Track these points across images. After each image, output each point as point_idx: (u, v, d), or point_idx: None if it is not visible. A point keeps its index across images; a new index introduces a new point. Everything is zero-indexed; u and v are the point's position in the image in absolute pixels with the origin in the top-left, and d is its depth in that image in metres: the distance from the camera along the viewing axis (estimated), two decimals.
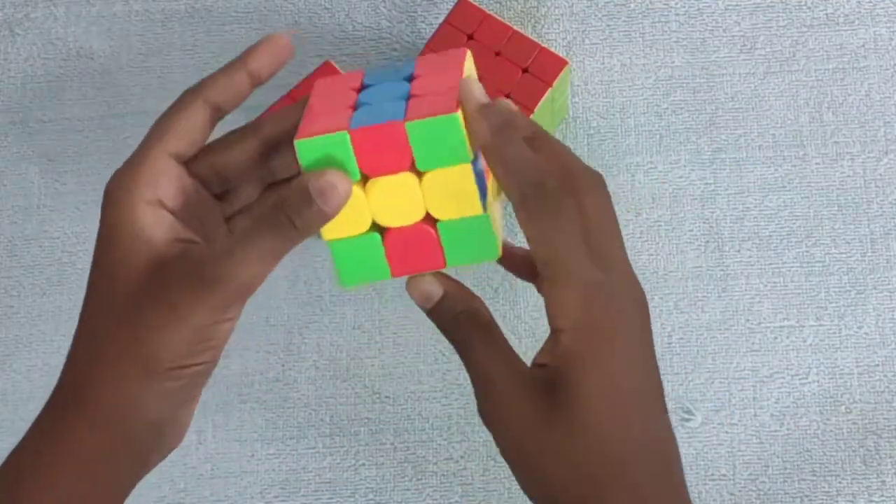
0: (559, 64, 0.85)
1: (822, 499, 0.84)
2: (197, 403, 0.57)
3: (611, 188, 0.89)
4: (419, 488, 0.85)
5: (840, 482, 0.84)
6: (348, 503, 0.85)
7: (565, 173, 0.55)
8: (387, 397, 0.86)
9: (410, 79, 0.59)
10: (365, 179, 0.56)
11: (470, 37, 0.86)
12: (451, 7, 0.87)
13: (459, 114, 0.55)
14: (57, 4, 0.95)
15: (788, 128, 0.91)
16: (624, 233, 0.90)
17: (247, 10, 0.94)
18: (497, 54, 0.85)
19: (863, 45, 0.92)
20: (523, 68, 0.85)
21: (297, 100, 0.86)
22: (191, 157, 0.58)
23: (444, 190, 0.56)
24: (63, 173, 0.92)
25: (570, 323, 0.54)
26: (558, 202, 0.54)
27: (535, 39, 0.86)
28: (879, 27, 0.92)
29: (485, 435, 0.86)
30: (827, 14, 0.93)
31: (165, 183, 0.57)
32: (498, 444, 0.56)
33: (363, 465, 0.85)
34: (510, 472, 0.83)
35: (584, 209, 0.54)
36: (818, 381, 0.86)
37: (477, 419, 0.86)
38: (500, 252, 0.58)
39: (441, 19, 0.87)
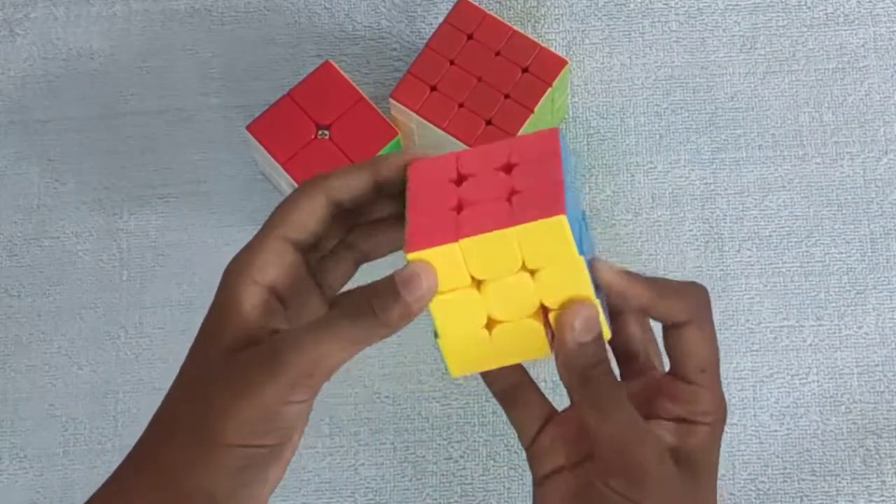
0: (559, 64, 0.85)
1: (822, 499, 0.84)
2: (270, 489, 0.56)
3: (611, 188, 0.91)
4: (419, 488, 0.85)
5: (840, 482, 0.84)
6: (348, 503, 0.85)
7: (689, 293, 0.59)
8: (387, 397, 0.86)
9: (507, 167, 0.57)
10: (478, 282, 0.56)
11: (470, 37, 0.86)
12: (451, 7, 0.87)
13: (565, 217, 0.54)
14: (57, 4, 0.95)
15: (788, 128, 0.91)
16: (624, 233, 0.91)
17: (247, 10, 0.94)
18: (497, 54, 0.85)
19: (863, 45, 0.92)
20: (523, 68, 0.85)
21: (297, 100, 0.86)
22: (309, 246, 0.59)
23: (557, 284, 0.55)
24: (63, 173, 0.92)
25: (710, 419, 0.58)
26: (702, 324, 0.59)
27: (535, 39, 0.86)
28: (879, 27, 0.92)
29: (485, 435, 0.86)
30: (827, 14, 0.93)
31: (276, 268, 0.57)
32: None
33: (363, 465, 0.85)
34: (509, 472, 0.83)
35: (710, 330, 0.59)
36: (818, 381, 0.86)
37: (476, 419, 0.86)
38: (609, 334, 0.58)
39: (441, 19, 0.87)
